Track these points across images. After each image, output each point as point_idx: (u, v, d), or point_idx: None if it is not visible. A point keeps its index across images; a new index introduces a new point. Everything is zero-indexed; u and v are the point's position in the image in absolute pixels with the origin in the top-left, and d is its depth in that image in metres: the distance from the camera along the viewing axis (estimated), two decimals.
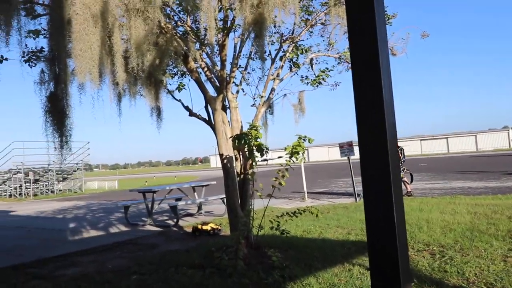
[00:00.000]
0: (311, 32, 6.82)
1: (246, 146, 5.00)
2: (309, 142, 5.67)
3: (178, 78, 7.15)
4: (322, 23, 6.71)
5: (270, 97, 6.24)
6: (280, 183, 5.66)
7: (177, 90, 6.62)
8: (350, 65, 7.46)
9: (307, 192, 13.68)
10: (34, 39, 5.92)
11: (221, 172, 6.25)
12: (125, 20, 4.33)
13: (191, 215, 11.29)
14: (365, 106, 1.20)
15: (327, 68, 6.84)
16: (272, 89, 6.25)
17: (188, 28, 5.72)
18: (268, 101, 6.23)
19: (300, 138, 5.65)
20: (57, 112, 4.34)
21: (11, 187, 28.42)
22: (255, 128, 4.99)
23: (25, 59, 5.69)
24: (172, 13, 5.71)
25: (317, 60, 7.28)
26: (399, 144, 12.94)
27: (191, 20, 5.91)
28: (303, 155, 5.75)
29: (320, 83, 6.74)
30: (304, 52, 6.60)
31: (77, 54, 3.78)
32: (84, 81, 3.86)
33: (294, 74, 6.94)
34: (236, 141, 4.91)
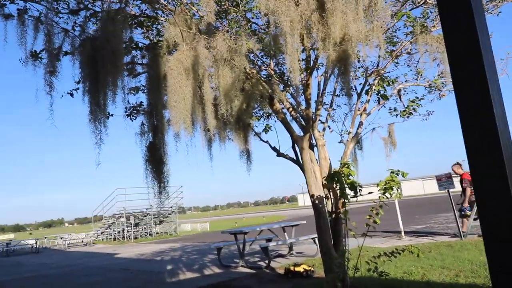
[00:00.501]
0: (397, 63, 6.62)
1: (338, 184, 4.86)
2: (403, 176, 5.37)
3: (264, 120, 7.34)
4: (408, 53, 6.49)
5: (358, 132, 6.08)
6: (374, 221, 5.37)
7: (263, 131, 6.77)
8: (441, 93, 7.08)
9: (404, 230, 12.79)
10: (134, 95, 6.57)
11: (309, 211, 6.14)
12: (213, 70, 4.61)
13: (282, 255, 11.15)
14: (475, 129, 1.13)
15: (417, 97, 6.54)
16: (360, 124, 6.10)
17: (272, 71, 5.90)
18: (356, 136, 6.07)
19: (392, 172, 5.37)
20: (155, 161, 4.68)
21: (115, 231, 30.79)
22: (347, 165, 4.85)
23: (127, 114, 6.31)
24: (256, 59, 5.96)
25: (405, 91, 7.01)
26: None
27: (274, 63, 6.10)
28: (397, 190, 5.43)
29: (410, 113, 6.45)
30: (391, 83, 6.40)
31: (172, 106, 4.10)
32: (179, 130, 4.13)
33: (382, 106, 6.73)
34: (329, 180, 4.81)
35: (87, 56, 4.18)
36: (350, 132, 6.05)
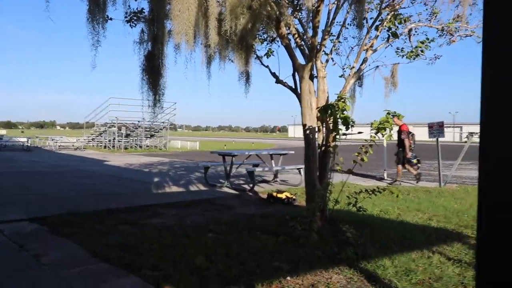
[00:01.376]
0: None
1: (332, 117, 4.85)
2: (398, 118, 5.36)
3: (267, 44, 7.09)
4: None
5: (361, 68, 5.94)
6: (362, 159, 5.46)
7: (265, 56, 6.58)
8: (452, 38, 6.84)
9: (386, 172, 13.13)
10: (136, 0, 6.21)
11: (299, 143, 6.22)
12: None
13: (266, 181, 11.47)
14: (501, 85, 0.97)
15: (427, 39, 6.31)
16: (364, 60, 5.93)
17: None
18: (358, 72, 5.94)
19: (388, 113, 5.36)
20: (152, 71, 4.55)
21: (106, 139, 31.11)
22: (343, 99, 4.80)
23: (127, 19, 6.00)
24: None
25: (416, 31, 6.75)
26: (411, 129, 11.60)
27: None
28: (390, 131, 5.46)
29: (417, 55, 6.27)
30: (403, 22, 6.13)
31: (175, 15, 3.88)
32: (180, 41, 3.96)
33: (389, 45, 6.53)
34: (322, 111, 4.77)
35: None
36: (353, 67, 5.90)
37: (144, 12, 6.16)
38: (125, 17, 6.16)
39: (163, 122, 33.09)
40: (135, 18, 6.17)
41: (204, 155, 24.93)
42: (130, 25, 6.24)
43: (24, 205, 7.15)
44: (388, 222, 6.24)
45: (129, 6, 5.87)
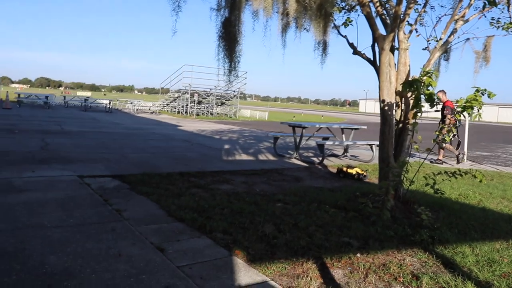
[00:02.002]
0: None
1: (415, 93, 4.53)
2: (489, 97, 4.89)
3: (345, 13, 6.76)
4: None
5: (448, 40, 5.45)
6: (443, 139, 5.10)
7: (343, 25, 6.27)
8: None
9: (467, 154, 12.25)
10: None
11: (370, 118, 5.96)
12: None
13: (336, 156, 11.26)
14: None
15: None
16: (453, 31, 5.43)
17: None
18: (445, 44, 5.46)
19: (477, 91, 4.89)
20: (229, 38, 4.53)
21: (179, 105, 32.38)
22: (429, 74, 4.45)
23: None
24: None
25: None
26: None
27: None
28: (478, 111, 5.00)
29: None
30: None
31: None
32: (258, 8, 3.87)
33: (483, 15, 5.90)
34: (406, 86, 4.48)
35: None
36: (440, 39, 5.43)
37: None
38: None
39: (234, 91, 33.59)
40: None
41: (272, 125, 25.04)
42: None
43: (106, 163, 7.70)
44: (468, 207, 5.84)
45: None
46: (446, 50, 5.85)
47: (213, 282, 2.97)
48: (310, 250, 3.76)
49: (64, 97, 34.08)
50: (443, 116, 10.73)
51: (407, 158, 5.29)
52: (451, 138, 10.59)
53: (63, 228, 3.87)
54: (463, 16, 5.57)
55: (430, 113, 5.77)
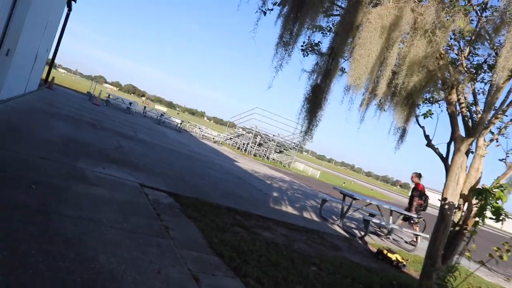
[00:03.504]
0: None
1: (482, 202, 4.26)
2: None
3: (426, 105, 6.64)
4: None
5: None
6: (501, 256, 4.69)
7: (422, 116, 6.15)
8: None
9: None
10: (313, 32, 6.41)
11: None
12: (408, 36, 4.17)
13: (378, 235, 10.73)
14: None
15: None
16: None
17: (464, 59, 5.15)
18: None
19: None
20: (315, 102, 4.61)
21: (241, 142, 33.06)
22: (502, 188, 4.19)
23: (302, 48, 6.24)
24: (453, 40, 5.22)
25: None
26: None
27: (470, 52, 5.30)
28: None
29: None
30: None
31: (355, 58, 3.86)
32: (354, 84, 3.93)
33: None
34: (474, 193, 4.24)
35: None
36: None
37: (319, 46, 6.35)
38: (302, 46, 6.42)
39: (293, 143, 33.78)
40: (310, 49, 6.39)
41: (322, 185, 24.63)
42: (303, 54, 6.48)
43: (165, 178, 7.95)
44: None
45: (308, 37, 6.10)
46: None
47: None
48: None
49: (144, 107, 36.10)
50: (412, 197, 11.30)
51: (457, 264, 4.91)
52: (418, 218, 10.95)
53: (117, 230, 3.99)
54: None
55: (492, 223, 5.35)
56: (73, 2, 19.76)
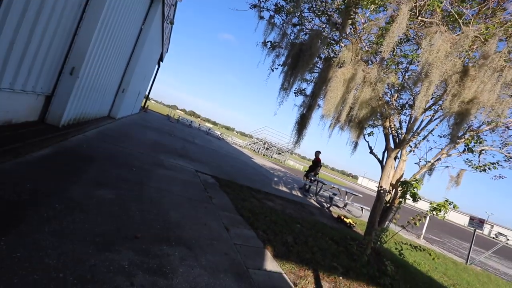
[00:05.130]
0: (493, 131, 5.02)
1: (404, 189, 4.15)
2: (454, 208, 4.31)
3: (370, 128, 6.51)
4: (507, 127, 4.83)
5: (434, 164, 4.98)
6: (414, 223, 4.55)
7: (368, 134, 6.04)
8: None
9: (423, 235, 10.76)
10: (302, 82, 6.39)
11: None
12: (360, 86, 4.14)
13: (338, 206, 10.52)
14: None
15: (498, 162, 4.94)
16: (438, 159, 4.96)
17: (394, 101, 5.07)
18: (431, 165, 5.00)
19: (447, 201, 4.35)
20: (302, 125, 4.59)
21: (256, 146, 32.96)
22: (417, 181, 4.07)
23: (295, 92, 6.23)
24: (388, 88, 5.14)
25: (485, 152, 5.37)
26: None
27: (398, 96, 5.20)
28: (444, 213, 4.42)
29: (484, 170, 4.98)
30: (479, 143, 4.95)
31: (327, 98, 3.86)
32: (326, 114, 3.91)
33: (462, 154, 5.34)
34: (401, 184, 4.14)
35: (294, 52, 4.13)
36: (428, 162, 4.99)
37: (305, 90, 6.32)
38: (295, 90, 6.41)
39: (288, 148, 33.50)
40: (299, 92, 6.37)
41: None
42: (296, 95, 6.46)
43: (210, 167, 7.95)
44: (419, 272, 5.06)
45: (299, 85, 6.09)
46: (430, 169, 5.34)
47: (250, 261, 2.86)
48: (311, 263, 3.48)
49: (199, 124, 36.34)
50: (315, 166, 10.83)
51: (387, 227, 4.78)
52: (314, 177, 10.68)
53: (181, 197, 4.02)
54: (447, 152, 5.09)
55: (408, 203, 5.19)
56: (161, 62, 20.14)
